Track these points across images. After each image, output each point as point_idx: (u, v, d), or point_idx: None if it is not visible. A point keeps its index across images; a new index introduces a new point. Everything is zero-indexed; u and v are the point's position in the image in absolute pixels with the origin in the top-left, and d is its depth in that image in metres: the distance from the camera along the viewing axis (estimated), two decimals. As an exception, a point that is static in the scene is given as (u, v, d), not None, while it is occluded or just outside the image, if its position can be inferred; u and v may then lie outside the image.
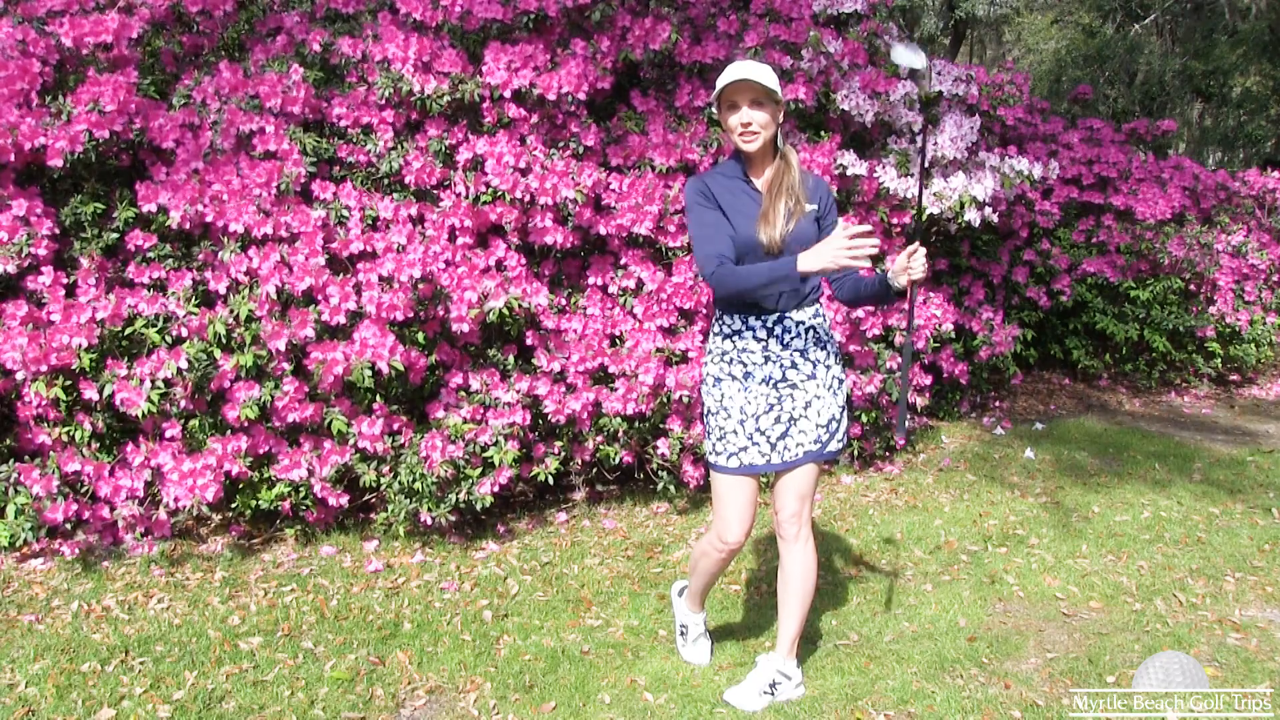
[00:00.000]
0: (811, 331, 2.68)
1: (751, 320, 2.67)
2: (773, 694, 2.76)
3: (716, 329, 2.75)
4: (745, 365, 2.68)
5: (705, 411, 2.77)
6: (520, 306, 4.04)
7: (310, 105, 4.13)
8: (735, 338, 2.69)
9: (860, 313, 4.88)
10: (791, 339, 2.66)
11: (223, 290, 3.82)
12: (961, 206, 5.33)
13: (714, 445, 2.72)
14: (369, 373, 3.70)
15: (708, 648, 3.09)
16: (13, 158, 3.71)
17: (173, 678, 2.86)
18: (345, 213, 4.03)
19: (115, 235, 3.88)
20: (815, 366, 2.68)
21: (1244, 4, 13.82)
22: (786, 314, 2.67)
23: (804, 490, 2.71)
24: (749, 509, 2.73)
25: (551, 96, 4.26)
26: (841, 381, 2.75)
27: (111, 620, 3.22)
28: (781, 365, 2.66)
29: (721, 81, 2.58)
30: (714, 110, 2.73)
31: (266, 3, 4.82)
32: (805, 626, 3.31)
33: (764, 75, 2.56)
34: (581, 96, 4.31)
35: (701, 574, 2.92)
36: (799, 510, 2.71)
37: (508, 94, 4.25)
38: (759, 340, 2.67)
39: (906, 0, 11.38)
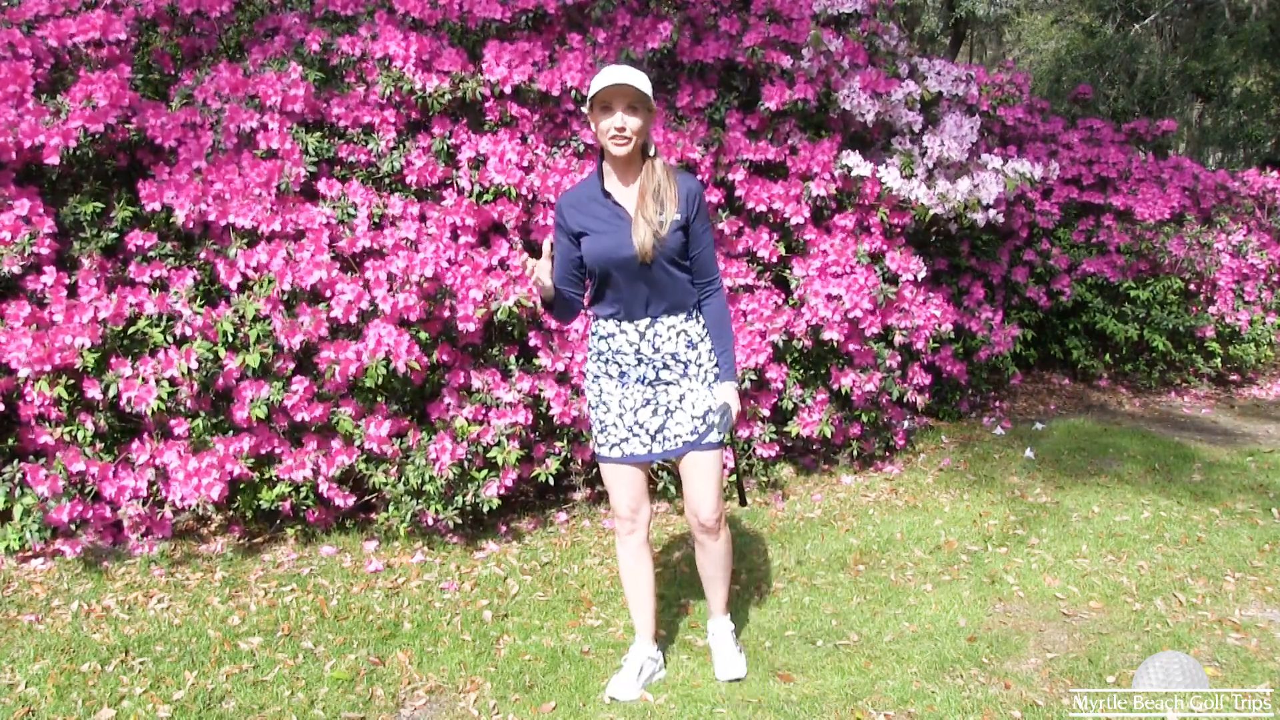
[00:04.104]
0: (683, 335, 2.73)
1: (625, 325, 2.72)
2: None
3: (593, 330, 2.81)
4: (620, 366, 2.74)
5: (588, 405, 2.83)
6: (525, 306, 4.05)
7: (309, 105, 4.13)
8: (610, 339, 2.75)
9: (858, 312, 4.87)
10: (663, 343, 2.72)
11: (234, 286, 3.82)
12: (965, 208, 5.33)
13: (597, 436, 2.81)
14: (384, 371, 3.71)
15: (640, 672, 2.91)
16: (14, 156, 3.71)
17: (173, 678, 2.86)
18: (352, 210, 4.03)
19: (115, 235, 3.88)
20: (687, 366, 2.73)
21: (1244, 4, 13.82)
22: (658, 319, 2.71)
23: (711, 486, 2.76)
24: (636, 495, 2.82)
25: (555, 92, 4.26)
26: (718, 376, 2.77)
27: (111, 620, 3.22)
28: (654, 366, 2.72)
29: (596, 84, 2.56)
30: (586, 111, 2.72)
31: (264, 4, 4.82)
32: (805, 626, 3.31)
33: (640, 81, 2.57)
34: (585, 91, 4.31)
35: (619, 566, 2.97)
36: (715, 509, 2.78)
37: (508, 90, 4.25)
38: (631, 343, 2.72)
39: (907, 0, 11.37)
